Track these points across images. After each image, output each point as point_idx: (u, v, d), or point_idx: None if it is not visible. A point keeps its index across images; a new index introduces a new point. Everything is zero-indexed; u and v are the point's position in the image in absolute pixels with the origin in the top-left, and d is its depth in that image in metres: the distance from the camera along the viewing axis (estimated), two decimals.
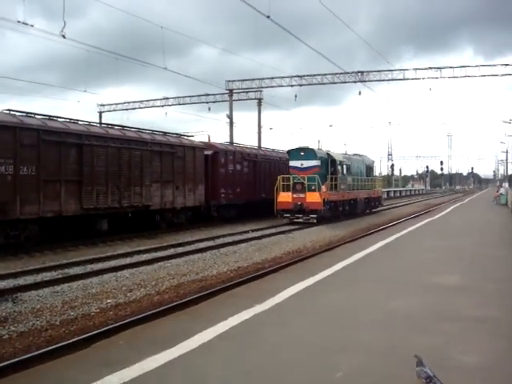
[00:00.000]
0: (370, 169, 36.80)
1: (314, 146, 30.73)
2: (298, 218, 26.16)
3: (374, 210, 36.37)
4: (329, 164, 27.84)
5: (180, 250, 16.87)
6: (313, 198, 25.71)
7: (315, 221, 25.83)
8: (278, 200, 26.33)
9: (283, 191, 26.32)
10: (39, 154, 16.54)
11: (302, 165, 26.60)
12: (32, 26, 21.73)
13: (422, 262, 11.49)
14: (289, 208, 26.11)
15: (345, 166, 30.01)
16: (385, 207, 41.62)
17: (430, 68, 39.97)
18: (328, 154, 28.57)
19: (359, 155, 36.45)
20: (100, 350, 5.70)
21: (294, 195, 25.98)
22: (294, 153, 27.40)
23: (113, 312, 9.29)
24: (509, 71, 38.39)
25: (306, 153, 26.95)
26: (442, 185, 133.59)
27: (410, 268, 10.67)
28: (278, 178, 26.92)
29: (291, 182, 26.20)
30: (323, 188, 26.10)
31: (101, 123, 26.53)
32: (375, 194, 36.57)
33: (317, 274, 9.65)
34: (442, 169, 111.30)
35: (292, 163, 27.13)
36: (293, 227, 24.36)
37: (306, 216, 25.97)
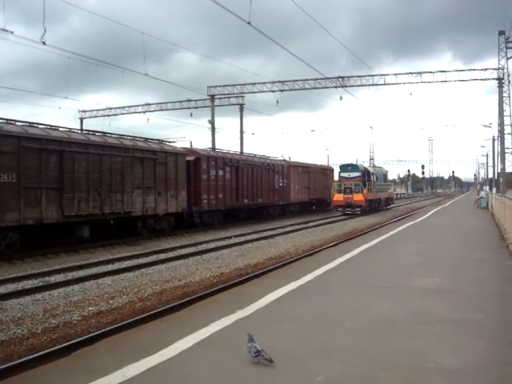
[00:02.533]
0: (385, 177, 49.98)
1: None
2: (347, 210, 38.52)
3: (387, 207, 48.48)
4: (365, 174, 39.91)
5: (162, 256, 16.83)
6: (358, 197, 37.96)
7: (359, 212, 38.04)
8: (334, 199, 39.17)
9: (337, 193, 38.84)
10: (19, 161, 16.41)
11: (349, 175, 39.13)
12: (12, 32, 21.63)
13: (406, 265, 11.55)
14: (341, 204, 38.70)
15: (374, 176, 42.33)
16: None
17: (411, 73, 40.57)
18: (365, 167, 42.14)
19: (379, 167, 52.31)
20: (81, 358, 5.66)
21: (345, 195, 38.27)
22: (344, 167, 40.52)
23: (95, 320, 9.25)
24: (487, 76, 39.02)
25: (352, 167, 40.47)
26: (423, 188, 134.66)
27: (393, 271, 10.74)
28: (333, 184, 40.89)
29: (342, 187, 38.56)
30: (365, 190, 38.46)
31: (82, 130, 26.39)
32: (390, 195, 51.06)
33: (299, 278, 9.67)
34: (423, 173, 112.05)
35: (342, 174, 39.84)
36: (274, 233, 24.89)
37: (353, 209, 38.37)
